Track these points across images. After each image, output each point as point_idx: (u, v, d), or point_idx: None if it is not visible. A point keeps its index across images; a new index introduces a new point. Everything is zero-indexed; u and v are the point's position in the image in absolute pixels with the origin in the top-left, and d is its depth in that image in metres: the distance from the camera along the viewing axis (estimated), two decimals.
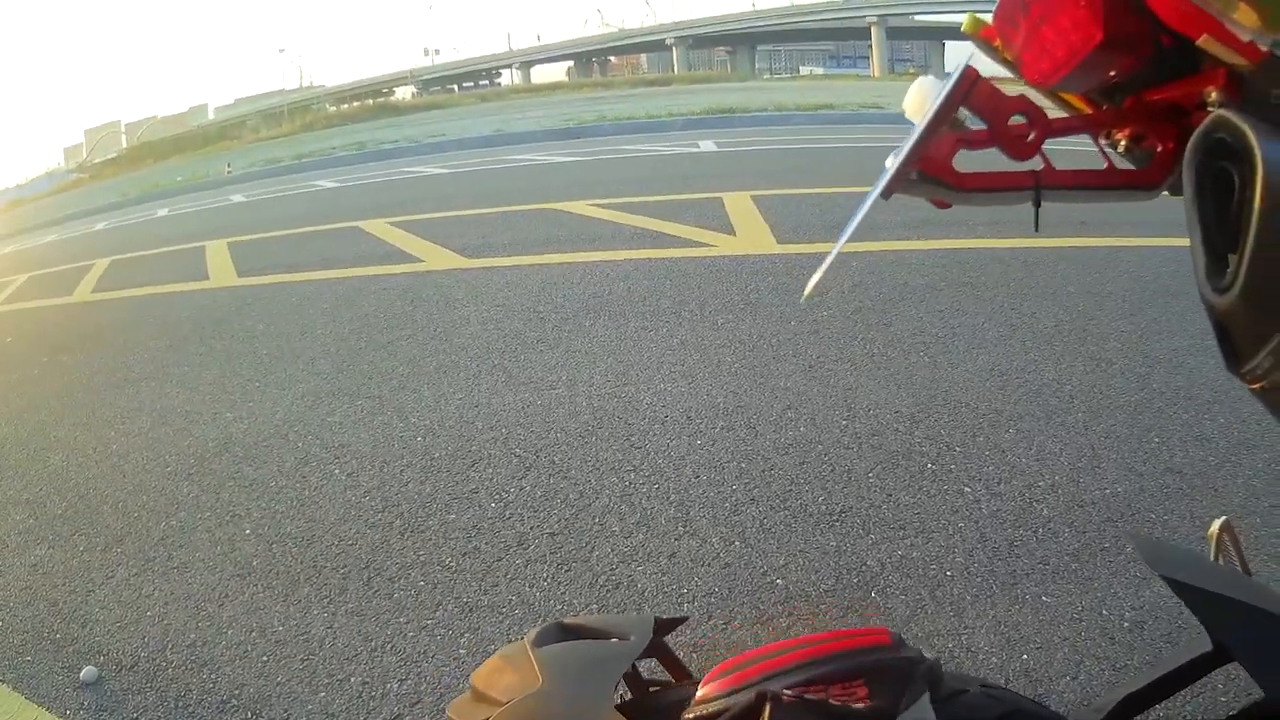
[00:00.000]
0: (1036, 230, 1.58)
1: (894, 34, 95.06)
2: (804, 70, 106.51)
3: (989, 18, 1.56)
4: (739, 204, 12.06)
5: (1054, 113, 1.47)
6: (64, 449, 6.64)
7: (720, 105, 34.61)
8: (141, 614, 4.30)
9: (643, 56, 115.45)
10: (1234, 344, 1.07)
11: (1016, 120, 1.42)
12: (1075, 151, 1.43)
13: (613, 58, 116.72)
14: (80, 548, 5.10)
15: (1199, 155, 1.15)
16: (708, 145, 21.83)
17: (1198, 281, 1.13)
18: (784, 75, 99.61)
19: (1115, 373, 5.62)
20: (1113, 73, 1.37)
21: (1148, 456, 4.59)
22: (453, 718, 1.38)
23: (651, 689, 1.48)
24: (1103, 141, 1.51)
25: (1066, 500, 4.27)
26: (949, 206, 1.49)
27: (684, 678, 1.52)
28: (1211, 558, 1.51)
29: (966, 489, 4.47)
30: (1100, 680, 3.16)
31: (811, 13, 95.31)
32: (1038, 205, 1.45)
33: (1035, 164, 1.44)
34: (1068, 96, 1.54)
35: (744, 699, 1.23)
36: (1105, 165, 1.48)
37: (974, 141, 1.42)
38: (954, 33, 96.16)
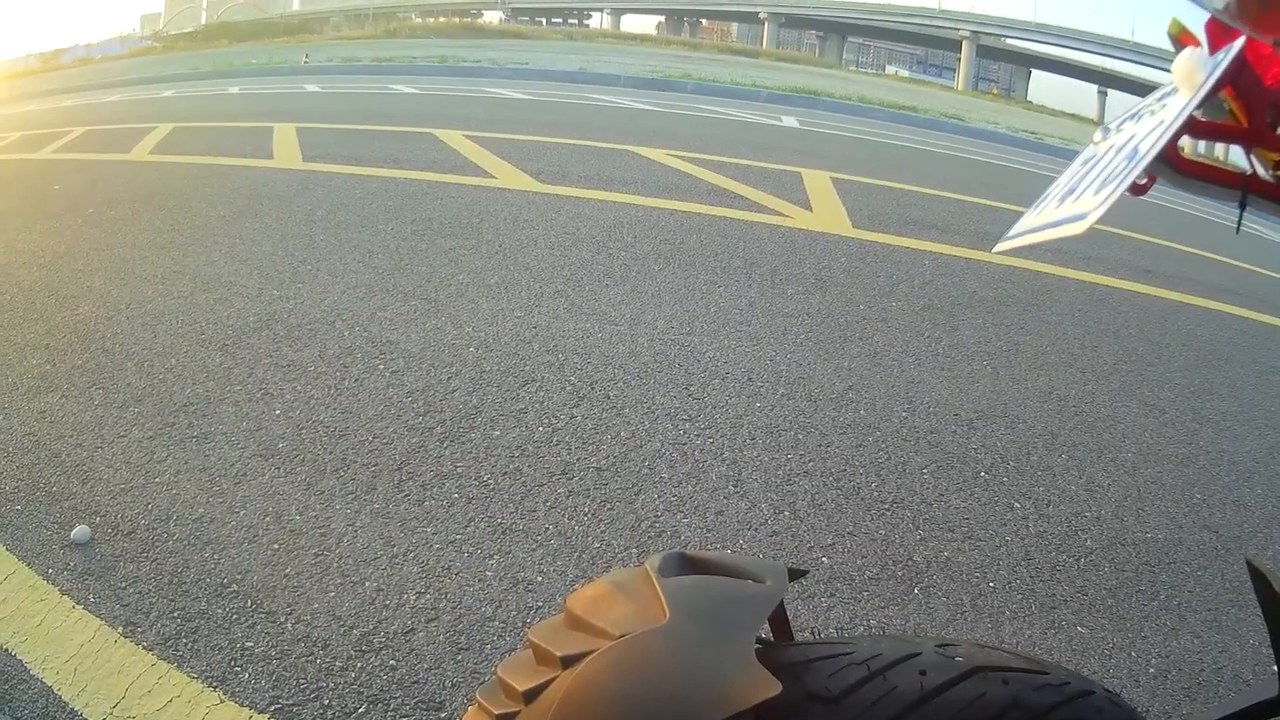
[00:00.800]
0: (1238, 233, 1.49)
1: (983, 52, 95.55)
2: (889, 69, 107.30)
3: (1192, 23, 1.47)
4: (817, 182, 12.08)
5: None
6: (95, 301, 6.50)
7: (806, 86, 35.36)
8: (149, 479, 4.13)
9: (734, 25, 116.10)
10: None
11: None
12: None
13: (704, 21, 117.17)
14: (95, 401, 4.95)
15: None
16: (790, 121, 22.27)
17: None
18: (869, 70, 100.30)
19: (1166, 422, 5.58)
20: None
21: (1189, 510, 4.52)
22: (538, 642, 1.19)
23: (775, 643, 1.31)
24: (1270, 170, 1.40)
25: (1110, 536, 4.19)
26: (1144, 192, 1.38)
27: (787, 636, 1.34)
28: None
29: (1016, 504, 4.39)
30: None
31: (907, 15, 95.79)
32: (1243, 207, 1.37)
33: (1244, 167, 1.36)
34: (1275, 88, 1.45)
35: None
36: None
37: (1199, 129, 1.33)
38: (1042, 62, 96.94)
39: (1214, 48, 1.39)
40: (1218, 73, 1.20)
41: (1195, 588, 3.85)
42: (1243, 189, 1.34)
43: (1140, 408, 5.73)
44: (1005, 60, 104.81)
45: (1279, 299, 9.32)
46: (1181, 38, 1.46)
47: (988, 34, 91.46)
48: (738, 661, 1.06)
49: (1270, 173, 1.38)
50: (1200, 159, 1.37)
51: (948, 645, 1.18)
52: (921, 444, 4.92)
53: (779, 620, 1.33)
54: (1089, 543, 4.10)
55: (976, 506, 4.33)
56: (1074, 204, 1.30)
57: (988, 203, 12.45)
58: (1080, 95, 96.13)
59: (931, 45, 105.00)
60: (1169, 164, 1.30)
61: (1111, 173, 1.25)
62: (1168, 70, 1.36)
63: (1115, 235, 10.96)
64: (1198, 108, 1.20)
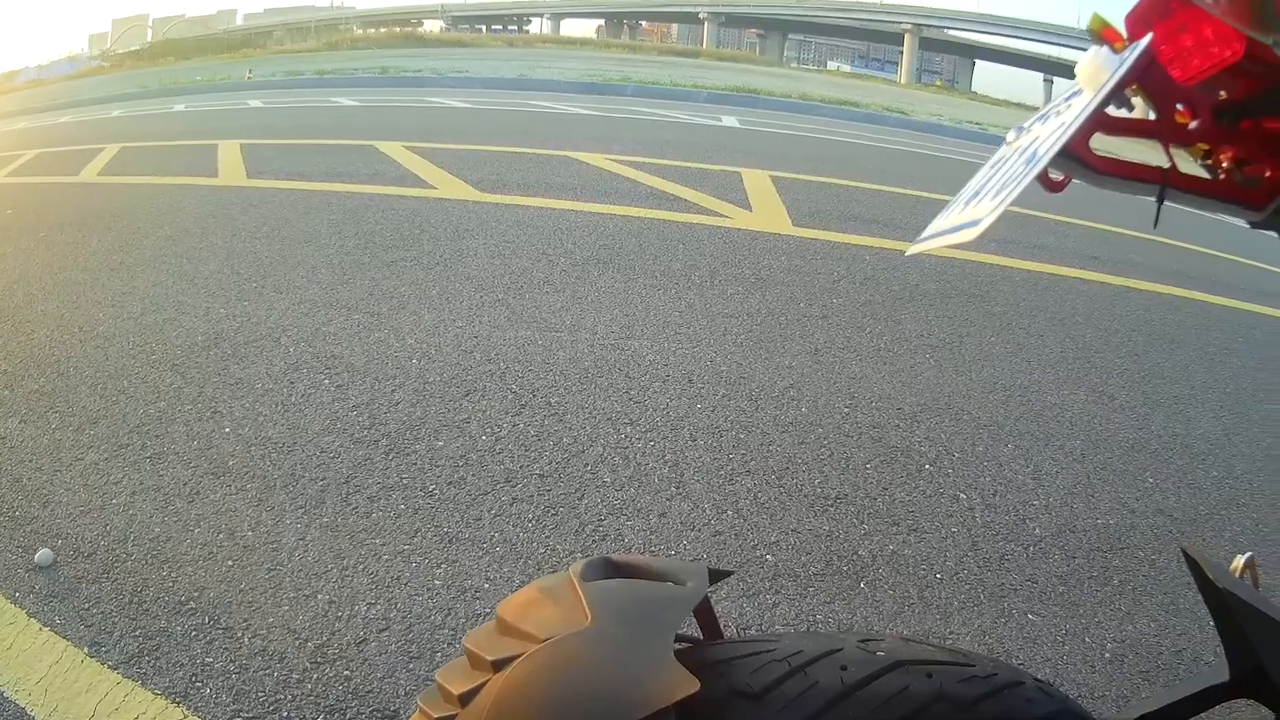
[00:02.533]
0: (1155, 227, 1.53)
1: (926, 44, 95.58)
2: (831, 65, 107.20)
3: (1115, 19, 1.51)
4: (757, 181, 12.15)
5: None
6: (50, 324, 6.52)
7: (746, 85, 35.45)
8: (107, 501, 4.16)
9: (674, 26, 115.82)
10: None
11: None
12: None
13: (644, 22, 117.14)
14: (53, 425, 4.98)
15: None
16: (730, 121, 22.25)
17: None
18: (811, 67, 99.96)
19: (1116, 408, 5.63)
20: (1234, 92, 1.35)
21: (1141, 495, 4.57)
22: (472, 649, 1.22)
23: (691, 643, 1.34)
24: (1199, 160, 1.45)
25: (1059, 523, 4.24)
26: (1060, 190, 1.40)
27: (715, 635, 1.39)
28: None
29: (962, 495, 4.43)
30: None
31: (848, 10, 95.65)
32: (1161, 201, 1.40)
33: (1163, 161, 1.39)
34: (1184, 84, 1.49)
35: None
36: (1222, 176, 1.43)
37: (1112, 126, 1.36)
38: (985, 53, 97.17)
39: (1134, 37, 1.43)
40: (1121, 72, 1.24)
41: (1150, 572, 3.90)
42: (1161, 184, 1.38)
43: (1089, 394, 5.78)
44: (948, 52, 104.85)
45: (1230, 280, 9.40)
46: (1104, 33, 1.50)
47: (930, 26, 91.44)
48: (657, 661, 1.10)
49: (1200, 162, 1.43)
50: (1116, 156, 1.41)
51: (870, 640, 1.22)
52: (864, 439, 4.96)
53: (708, 620, 1.38)
54: (1038, 531, 4.15)
55: (921, 499, 4.37)
56: (973, 209, 1.35)
57: (930, 195, 12.43)
58: (1026, 84, 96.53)
59: (874, 40, 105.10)
60: (1083, 163, 1.33)
61: (1009, 177, 1.30)
62: None
63: (1061, 223, 11.06)
64: (1101, 107, 1.24)
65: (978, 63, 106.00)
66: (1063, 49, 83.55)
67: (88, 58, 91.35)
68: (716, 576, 1.35)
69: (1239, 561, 1.47)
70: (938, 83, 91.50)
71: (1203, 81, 1.27)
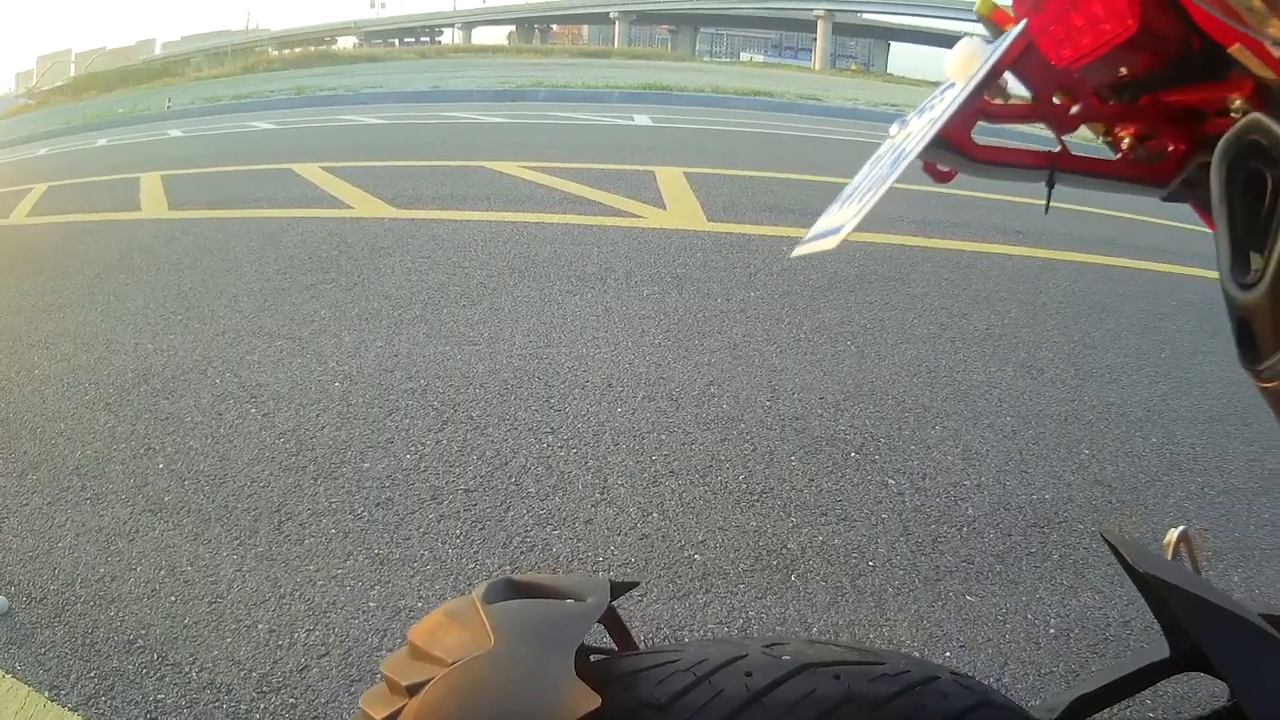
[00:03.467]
0: (1046, 212, 1.56)
1: (840, 30, 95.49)
2: (745, 56, 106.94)
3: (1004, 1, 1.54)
4: (671, 178, 12.25)
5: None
6: None
7: (658, 82, 35.56)
8: (53, 544, 4.19)
9: (585, 28, 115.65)
10: (1253, 341, 1.05)
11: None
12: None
13: (555, 26, 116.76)
14: None
15: (1230, 155, 1.12)
16: (643, 119, 22.36)
17: (1221, 276, 1.11)
18: (725, 59, 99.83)
19: (1046, 381, 5.71)
20: (1134, 68, 1.33)
21: (1077, 467, 4.65)
22: (388, 674, 1.25)
23: (595, 656, 1.36)
24: (1101, 138, 1.48)
25: (992, 502, 4.31)
26: (949, 180, 1.47)
27: (628, 646, 1.44)
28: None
29: (890, 481, 4.49)
30: (1025, 684, 3.15)
31: (760, 0, 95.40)
32: (1051, 186, 1.43)
33: (1050, 145, 1.42)
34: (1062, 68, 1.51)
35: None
36: (1119, 156, 1.45)
37: (995, 114, 1.40)
38: (900, 34, 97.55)
39: (1024, 17, 1.47)
40: (991, 60, 1.30)
41: (1092, 544, 3.96)
42: (1049, 168, 1.42)
43: (1016, 370, 5.86)
44: (863, 36, 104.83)
45: (1160, 245, 9.48)
46: (993, 16, 1.54)
47: (843, 11, 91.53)
48: (559, 679, 1.13)
49: (1102, 140, 1.47)
50: (1002, 144, 1.45)
51: (775, 645, 1.26)
52: (787, 431, 5.02)
53: (619, 631, 1.44)
54: (970, 511, 4.21)
55: (849, 488, 4.43)
56: (840, 212, 1.38)
57: (845, 180, 12.35)
58: (940, 62, 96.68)
59: (786, 28, 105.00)
60: (963, 154, 1.37)
61: (877, 179, 1.35)
62: None
63: (981, 199, 11.14)
64: (969, 100, 1.28)
65: (892, 44, 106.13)
66: (976, 24, 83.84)
67: (15, 96, 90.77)
68: (619, 589, 1.39)
69: (1171, 536, 1.50)
70: (853, 66, 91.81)
71: (1098, 59, 1.29)
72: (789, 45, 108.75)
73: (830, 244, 1.33)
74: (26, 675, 3.31)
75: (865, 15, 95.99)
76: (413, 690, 1.17)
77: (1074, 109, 1.39)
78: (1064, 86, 1.39)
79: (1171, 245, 9.53)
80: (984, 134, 1.39)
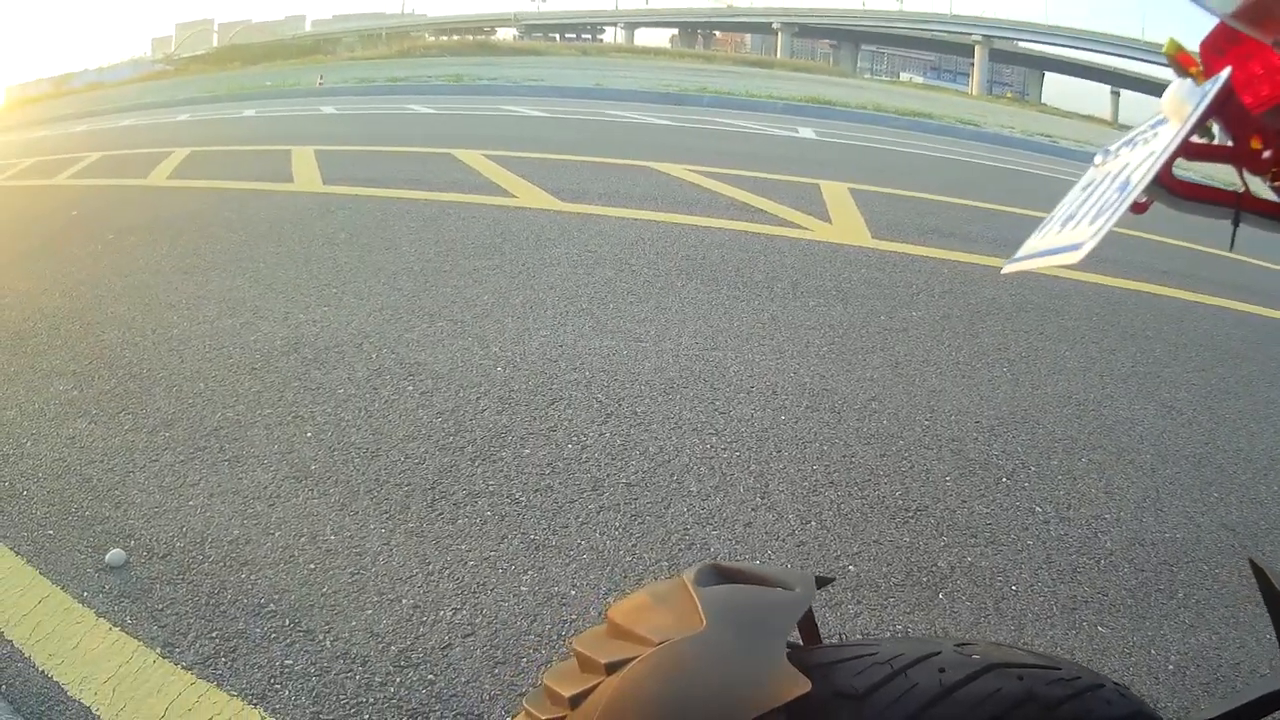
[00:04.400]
0: (1231, 248, 1.56)
1: (996, 56, 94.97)
2: (904, 76, 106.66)
3: (1190, 43, 1.56)
4: (836, 193, 12.10)
5: None
6: (120, 327, 6.58)
7: (821, 96, 35.37)
8: (183, 503, 4.19)
9: (747, 36, 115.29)
10: None
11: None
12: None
13: (718, 33, 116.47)
14: (125, 426, 5.01)
15: None
16: (807, 132, 22.23)
17: None
18: (884, 77, 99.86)
19: (1184, 422, 5.59)
20: None
21: (1207, 509, 4.54)
22: (582, 651, 1.25)
23: (793, 648, 1.38)
24: (1268, 182, 1.48)
25: (1129, 537, 4.22)
26: (1144, 211, 1.47)
27: (815, 640, 1.41)
28: None
29: (1038, 508, 4.42)
30: None
31: (920, 21, 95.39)
32: (1236, 224, 1.47)
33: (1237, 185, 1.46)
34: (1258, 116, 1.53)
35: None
36: None
37: (1195, 152, 1.44)
38: (1054, 64, 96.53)
39: (1209, 67, 1.48)
40: (1203, 105, 1.29)
41: (1213, 585, 3.89)
42: (1235, 207, 1.43)
43: (1158, 409, 5.75)
44: (1018, 64, 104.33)
45: None
46: (1178, 57, 1.55)
47: (1000, 38, 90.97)
48: (770, 663, 1.13)
49: (1270, 184, 1.47)
50: (1196, 181, 1.46)
51: (965, 644, 1.26)
52: (944, 452, 4.96)
53: (808, 625, 1.40)
54: (1109, 544, 4.14)
55: (999, 511, 4.37)
56: (1072, 231, 1.39)
57: (1004, 208, 12.47)
58: (1093, 96, 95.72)
59: (945, 51, 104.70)
60: (1164, 188, 1.40)
61: (1105, 203, 1.34)
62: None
63: (1131, 237, 10.92)
64: (1186, 138, 1.28)
65: (1046, 74, 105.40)
66: (1128, 60, 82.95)
67: (150, 61, 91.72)
68: (821, 583, 1.38)
69: None
70: (1008, 94, 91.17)
71: (1274, 107, 1.30)
72: (946, 68, 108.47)
73: (1074, 258, 1.34)
74: (137, 630, 3.31)
75: (1021, 43, 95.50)
76: (612, 668, 1.16)
77: (1266, 153, 1.41)
78: (1260, 131, 1.41)
79: None
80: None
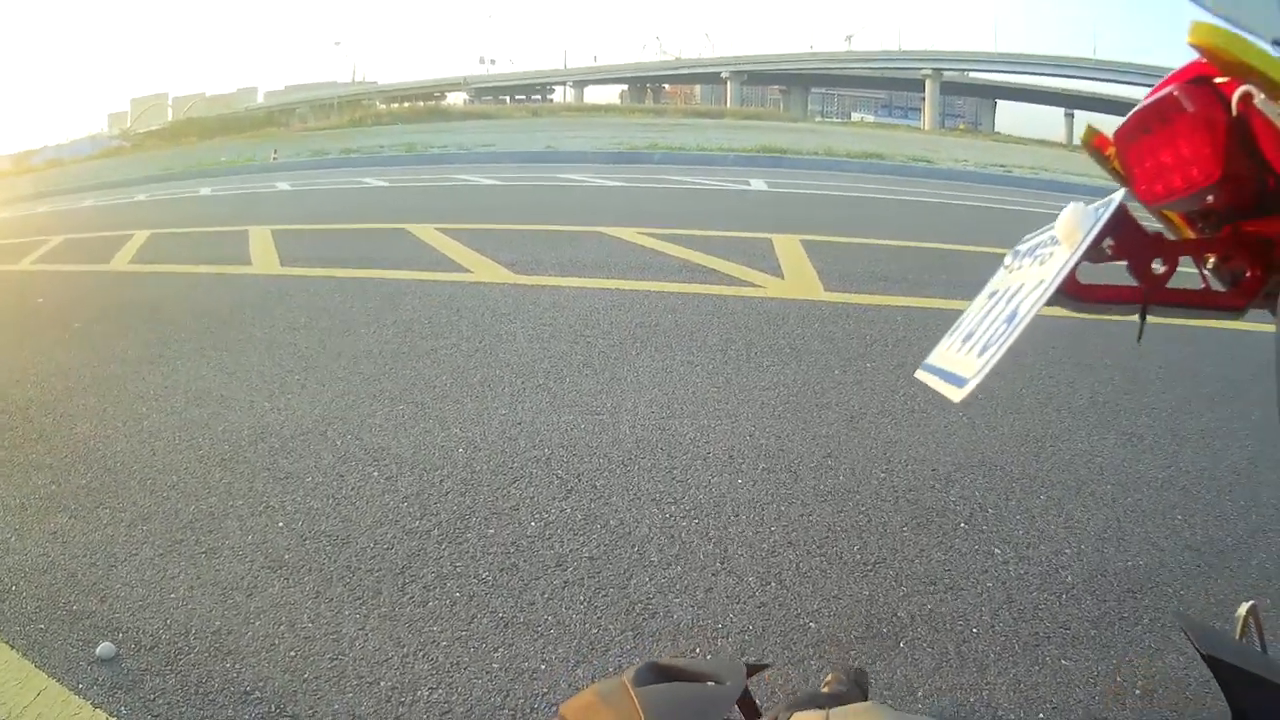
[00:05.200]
0: (1139, 342, 1.69)
1: (947, 89, 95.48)
2: (855, 116, 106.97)
3: (1104, 129, 1.68)
4: (788, 247, 12.26)
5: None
6: (92, 419, 6.65)
7: (772, 145, 35.56)
8: (165, 595, 4.26)
9: (697, 87, 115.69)
10: None
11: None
12: None
13: (667, 85, 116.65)
14: (104, 521, 5.07)
15: None
16: (758, 184, 22.48)
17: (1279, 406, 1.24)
18: (835, 119, 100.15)
19: (1145, 448, 5.68)
20: (1217, 203, 1.52)
21: (1170, 533, 4.64)
22: None
23: None
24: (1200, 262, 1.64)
25: (1090, 569, 4.30)
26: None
27: (754, 716, 1.52)
28: (1237, 635, 1.61)
29: (996, 550, 4.50)
30: None
31: (868, 60, 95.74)
32: (1143, 319, 1.62)
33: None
34: (1169, 214, 1.73)
35: None
36: (1203, 286, 1.63)
37: (1095, 258, 1.55)
38: (1005, 92, 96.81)
39: (1122, 153, 1.61)
40: (1095, 230, 1.44)
41: (1178, 607, 3.98)
42: (1143, 303, 1.56)
43: (1118, 438, 5.83)
44: (970, 94, 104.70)
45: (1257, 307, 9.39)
46: (1094, 142, 1.70)
47: (950, 69, 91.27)
48: None
49: (1211, 269, 1.60)
50: (1099, 285, 1.59)
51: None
52: (901, 503, 5.04)
53: (748, 707, 1.52)
54: (1069, 579, 4.22)
55: (957, 557, 4.45)
56: (964, 357, 1.51)
57: (958, 248, 12.66)
58: (1046, 119, 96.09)
59: (895, 88, 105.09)
60: (1068, 296, 1.56)
61: (994, 335, 1.48)
62: (1133, 84, 1.56)
63: (1084, 267, 11.03)
64: (1075, 265, 1.43)
65: (999, 103, 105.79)
66: (1079, 81, 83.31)
67: (108, 137, 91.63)
68: (753, 670, 1.51)
69: (1242, 610, 1.61)
70: (960, 126, 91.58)
71: (1185, 197, 1.47)
72: (898, 105, 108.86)
73: (957, 395, 1.47)
74: None
75: (972, 74, 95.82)
76: None
77: (1162, 270, 1.58)
78: (1157, 255, 1.58)
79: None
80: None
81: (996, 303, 1.59)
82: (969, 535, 4.67)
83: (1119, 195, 1.44)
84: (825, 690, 1.34)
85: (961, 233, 14.29)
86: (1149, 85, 1.65)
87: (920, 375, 1.65)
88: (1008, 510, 4.94)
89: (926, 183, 26.05)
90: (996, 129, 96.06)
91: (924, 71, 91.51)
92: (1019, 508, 4.96)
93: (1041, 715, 3.33)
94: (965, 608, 4.01)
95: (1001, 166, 32.79)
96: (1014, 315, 1.45)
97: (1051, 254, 1.50)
